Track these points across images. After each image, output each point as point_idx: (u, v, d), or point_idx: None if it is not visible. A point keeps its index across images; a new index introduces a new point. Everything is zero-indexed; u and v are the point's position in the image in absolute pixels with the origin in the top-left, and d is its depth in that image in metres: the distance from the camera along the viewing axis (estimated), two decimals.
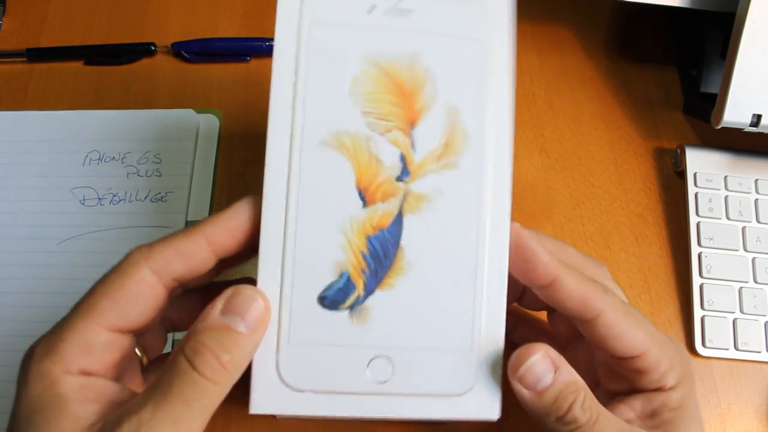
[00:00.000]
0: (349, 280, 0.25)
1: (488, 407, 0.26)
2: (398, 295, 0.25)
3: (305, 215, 0.25)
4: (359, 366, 0.25)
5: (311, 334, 0.25)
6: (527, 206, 0.43)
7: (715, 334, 0.39)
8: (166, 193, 0.41)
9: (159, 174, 0.42)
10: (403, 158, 0.25)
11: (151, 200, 0.41)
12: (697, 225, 0.41)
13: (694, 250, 0.41)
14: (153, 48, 0.47)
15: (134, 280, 0.24)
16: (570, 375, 0.26)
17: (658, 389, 0.28)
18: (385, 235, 0.25)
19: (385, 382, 0.25)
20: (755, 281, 0.40)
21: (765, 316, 0.39)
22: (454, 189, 0.25)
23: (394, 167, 0.25)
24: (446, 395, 0.25)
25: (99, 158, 0.42)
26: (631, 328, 0.27)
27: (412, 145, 0.25)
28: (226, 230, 0.26)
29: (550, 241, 0.30)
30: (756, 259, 0.40)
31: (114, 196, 0.41)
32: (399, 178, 0.25)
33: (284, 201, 0.25)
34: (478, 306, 0.26)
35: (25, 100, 0.46)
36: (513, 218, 0.41)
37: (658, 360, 0.27)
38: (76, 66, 0.47)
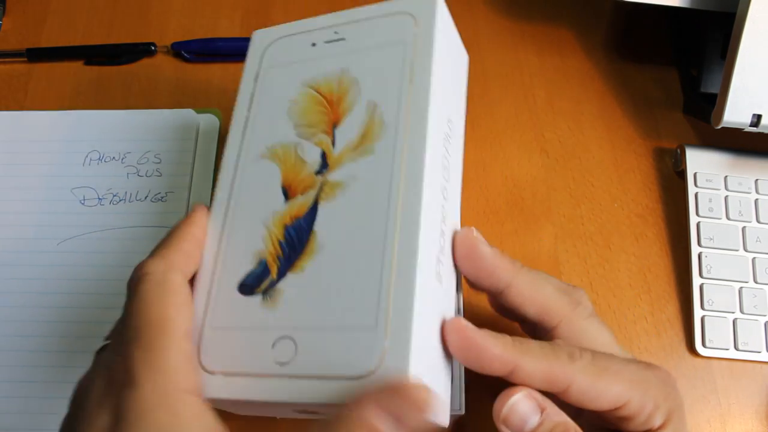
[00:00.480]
0: (265, 266, 0.26)
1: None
2: (306, 277, 0.25)
3: (238, 215, 0.28)
4: (265, 348, 0.25)
5: (227, 319, 0.26)
6: (527, 206, 0.43)
7: (715, 334, 0.39)
8: (166, 193, 0.41)
9: (159, 174, 0.42)
10: (323, 155, 0.28)
11: (151, 200, 0.41)
12: (697, 225, 0.41)
13: (694, 250, 0.41)
14: (153, 48, 0.47)
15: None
16: (559, 416, 0.26)
17: (648, 430, 0.27)
18: (301, 223, 0.26)
19: (286, 363, 0.24)
20: (755, 281, 0.40)
21: (765, 316, 0.39)
22: (368, 174, 0.26)
23: (315, 164, 0.28)
24: (349, 377, 0.23)
25: (99, 158, 0.42)
26: (607, 386, 0.26)
27: (333, 142, 0.28)
28: (204, 230, 0.29)
29: (524, 279, 0.29)
30: (756, 259, 0.40)
31: (114, 196, 0.41)
32: (318, 172, 0.27)
33: (225, 205, 0.29)
34: (386, 284, 0.24)
35: (25, 100, 0.46)
36: (513, 218, 0.41)
37: (642, 404, 0.27)
38: (76, 66, 0.47)
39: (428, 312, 0.24)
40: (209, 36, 0.47)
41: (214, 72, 0.47)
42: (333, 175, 0.27)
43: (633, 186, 0.44)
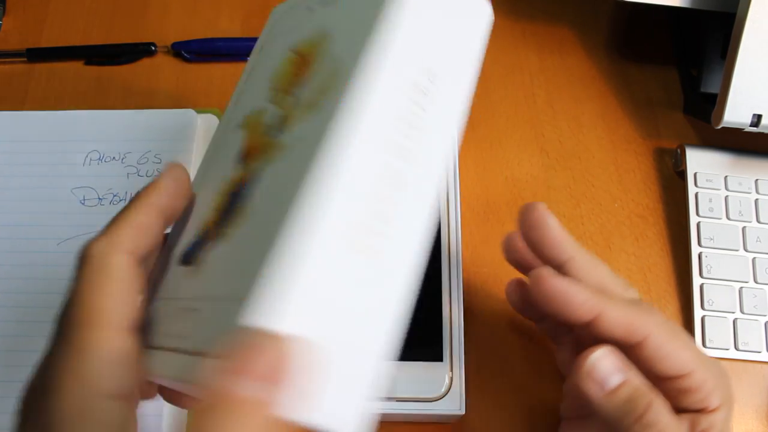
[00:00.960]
0: (205, 235, 0.25)
1: None
2: (229, 246, 0.23)
3: (204, 185, 0.27)
4: (178, 320, 0.23)
5: (165, 290, 0.25)
6: None
7: (715, 334, 0.39)
8: None
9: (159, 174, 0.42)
10: (280, 116, 0.25)
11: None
12: (698, 225, 0.41)
13: (695, 250, 0.41)
14: (153, 48, 0.47)
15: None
16: (641, 380, 0.26)
17: (702, 410, 0.27)
18: (242, 189, 0.24)
19: (187, 337, 0.22)
20: (755, 281, 0.40)
21: (765, 316, 0.39)
22: (310, 132, 0.22)
23: (274, 127, 0.25)
24: None
25: (99, 158, 0.42)
26: (679, 349, 0.27)
27: (294, 102, 0.24)
28: (173, 196, 0.26)
29: (584, 256, 0.29)
30: (756, 259, 0.40)
31: (114, 196, 0.41)
32: (274, 136, 0.24)
33: (202, 176, 0.29)
34: (285, 254, 0.20)
35: (25, 100, 0.46)
36: (513, 218, 0.41)
37: (704, 379, 0.27)
38: (76, 66, 0.47)
39: (331, 281, 0.20)
40: (209, 36, 0.47)
41: (214, 72, 0.47)
42: (284, 137, 0.24)
43: (633, 186, 0.44)
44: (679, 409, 0.28)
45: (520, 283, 0.32)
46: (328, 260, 0.20)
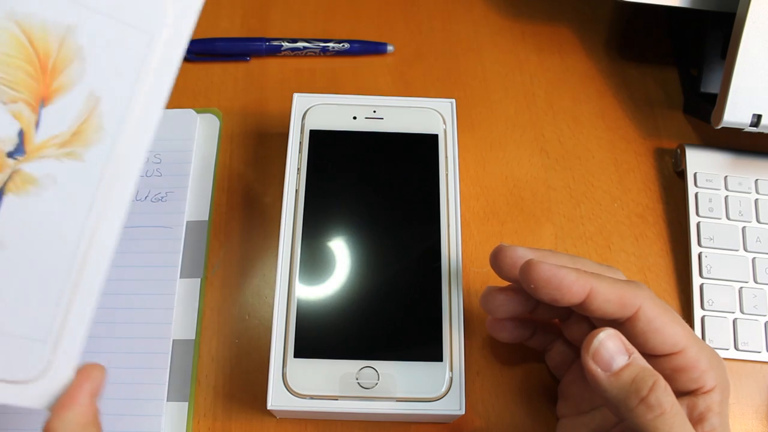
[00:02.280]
0: None
1: (38, 400, 0.24)
2: None
3: None
4: None
5: None
6: (527, 206, 0.43)
7: (715, 334, 0.39)
8: (166, 193, 0.41)
9: (159, 174, 0.42)
10: (21, 134, 0.23)
11: (151, 200, 0.41)
12: (697, 225, 0.41)
13: (694, 250, 0.41)
14: None
15: None
16: (645, 362, 0.26)
17: (697, 390, 0.27)
18: None
19: None
20: (755, 281, 0.40)
21: (765, 316, 0.39)
22: (71, 180, 0.23)
23: (9, 141, 0.23)
24: (10, 381, 0.23)
25: None
26: (671, 323, 0.27)
27: (37, 123, 0.23)
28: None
29: (566, 257, 0.30)
30: (756, 259, 0.40)
31: None
32: (11, 155, 0.23)
33: None
34: (64, 303, 0.24)
35: None
36: (513, 218, 0.41)
37: (698, 358, 0.27)
38: None
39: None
40: (209, 36, 0.47)
41: (214, 72, 0.47)
42: (29, 167, 0.23)
43: (633, 186, 0.44)
44: (675, 393, 0.28)
45: (500, 290, 0.33)
46: (95, 304, 0.25)
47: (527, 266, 0.28)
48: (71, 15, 0.24)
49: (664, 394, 0.25)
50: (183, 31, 0.26)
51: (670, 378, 0.27)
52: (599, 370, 0.26)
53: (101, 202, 0.24)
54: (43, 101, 0.23)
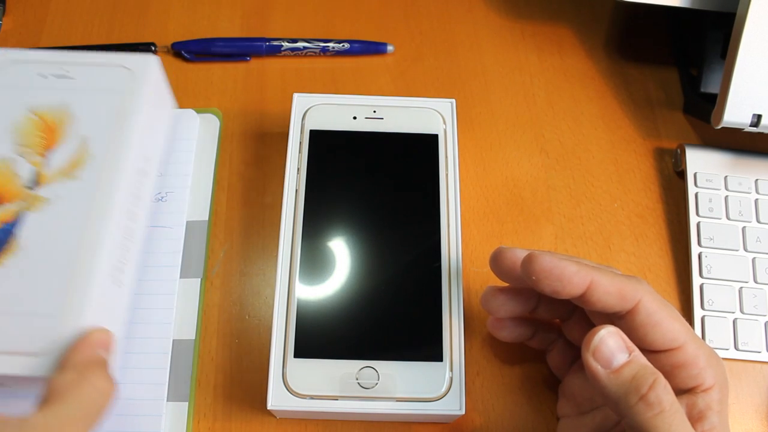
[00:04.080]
0: None
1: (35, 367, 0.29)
2: (5, 271, 0.31)
3: None
4: None
5: None
6: (527, 206, 0.43)
7: (715, 334, 0.39)
8: (166, 193, 0.41)
9: (159, 174, 0.42)
10: (35, 173, 0.33)
11: (151, 200, 0.41)
12: (697, 225, 0.41)
13: (694, 250, 0.41)
14: (153, 48, 0.47)
15: None
16: (645, 360, 0.26)
17: (696, 387, 0.27)
18: (7, 227, 0.32)
19: None
20: (755, 281, 0.40)
21: (765, 316, 0.39)
22: (73, 194, 0.32)
23: (27, 179, 0.33)
24: (28, 353, 0.29)
25: None
26: (669, 318, 0.27)
27: (47, 164, 0.33)
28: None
29: (566, 257, 0.30)
30: (756, 259, 0.40)
31: None
32: (29, 187, 0.33)
33: None
34: (70, 283, 0.30)
35: None
36: (513, 218, 0.41)
37: (696, 355, 0.27)
38: None
39: (102, 304, 0.31)
40: (209, 36, 0.47)
41: (214, 72, 0.47)
42: (42, 191, 0.32)
43: (633, 186, 0.44)
44: (674, 390, 0.27)
45: (500, 289, 0.33)
46: (102, 285, 0.31)
47: (529, 258, 0.28)
48: (66, 96, 0.35)
49: (663, 392, 0.25)
50: (141, 84, 0.36)
51: (669, 375, 0.27)
52: (599, 367, 0.26)
53: (99, 203, 0.32)
54: (49, 149, 0.34)
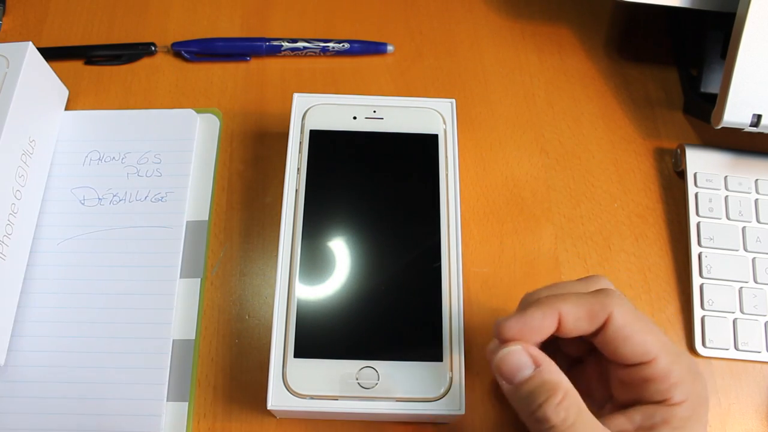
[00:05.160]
0: None
1: None
2: None
3: None
4: None
5: None
6: (527, 206, 0.43)
7: (715, 334, 0.39)
8: (166, 193, 0.41)
9: (159, 174, 0.42)
10: None
11: (151, 200, 0.41)
12: (697, 225, 0.41)
13: (694, 250, 0.41)
14: (153, 48, 0.47)
15: None
16: (552, 375, 0.26)
17: (663, 401, 0.27)
18: None
19: None
20: (755, 281, 0.40)
21: (765, 316, 0.39)
22: None
23: None
24: None
25: (99, 158, 0.42)
26: (641, 332, 0.27)
27: None
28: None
29: (543, 290, 0.30)
30: (756, 259, 0.40)
31: (114, 196, 0.41)
32: None
33: None
34: None
35: None
36: (513, 218, 0.41)
37: (669, 369, 0.27)
38: (76, 66, 0.47)
39: None
40: (209, 36, 0.47)
41: (214, 72, 0.47)
42: None
43: (633, 186, 0.44)
44: (641, 401, 0.27)
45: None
46: None
47: (497, 328, 0.28)
48: None
49: (554, 409, 0.25)
50: (18, 65, 0.38)
51: (639, 387, 0.27)
52: (502, 381, 0.27)
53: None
54: None
